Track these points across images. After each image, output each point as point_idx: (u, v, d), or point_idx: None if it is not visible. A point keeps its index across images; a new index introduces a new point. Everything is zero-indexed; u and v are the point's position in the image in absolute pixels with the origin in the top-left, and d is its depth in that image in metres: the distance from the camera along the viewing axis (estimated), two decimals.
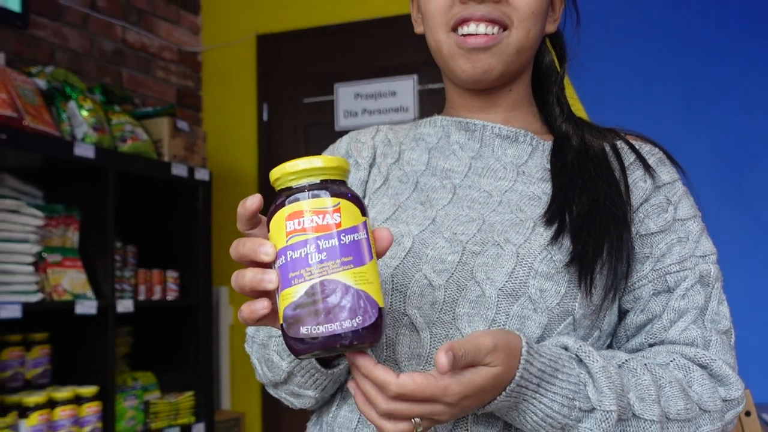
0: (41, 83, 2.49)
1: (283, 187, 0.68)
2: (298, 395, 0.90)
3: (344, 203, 0.66)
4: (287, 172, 0.67)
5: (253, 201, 0.67)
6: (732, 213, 2.80)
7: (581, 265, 0.83)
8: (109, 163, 2.50)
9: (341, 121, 3.40)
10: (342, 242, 0.65)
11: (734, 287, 1.05)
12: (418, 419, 0.69)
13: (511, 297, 0.83)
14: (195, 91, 3.65)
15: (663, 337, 0.87)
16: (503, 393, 0.72)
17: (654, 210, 0.91)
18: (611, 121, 1.02)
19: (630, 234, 0.89)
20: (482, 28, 0.90)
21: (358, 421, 0.86)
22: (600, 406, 0.76)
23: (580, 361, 0.79)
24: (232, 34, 3.60)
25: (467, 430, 0.82)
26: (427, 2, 0.95)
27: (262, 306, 0.66)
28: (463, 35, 0.91)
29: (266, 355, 0.90)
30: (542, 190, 0.92)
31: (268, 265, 0.67)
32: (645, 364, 0.82)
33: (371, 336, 0.65)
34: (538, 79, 1.04)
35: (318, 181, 0.67)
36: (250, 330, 0.93)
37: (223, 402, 3.44)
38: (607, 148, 0.95)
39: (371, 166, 1.01)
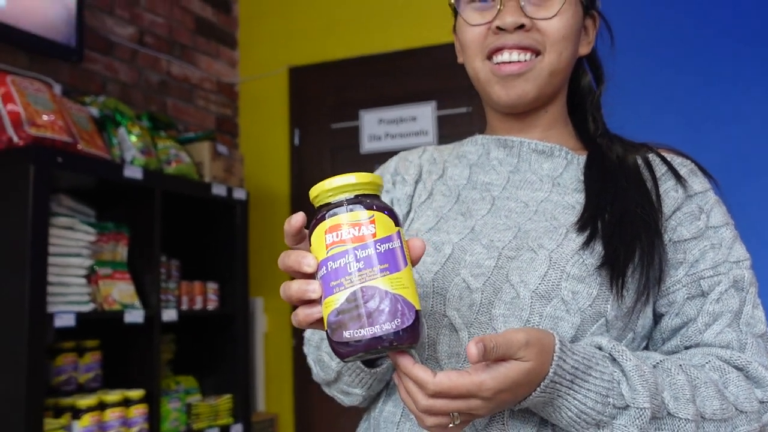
0: (94, 111, 2.49)
1: (322, 203, 0.68)
2: (347, 393, 0.90)
3: (378, 215, 0.66)
4: (325, 189, 0.67)
5: (297, 219, 0.68)
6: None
7: (612, 269, 0.80)
8: (156, 183, 2.49)
9: (366, 145, 3.38)
10: (378, 251, 0.65)
11: None
12: (456, 414, 0.68)
13: (544, 299, 0.80)
14: (232, 118, 3.65)
15: (698, 340, 0.83)
16: (538, 389, 0.70)
17: (686, 218, 0.87)
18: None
19: (661, 240, 0.85)
20: (515, 55, 0.89)
21: (401, 416, 0.86)
22: (633, 403, 0.72)
23: (613, 360, 0.75)
24: (267, 67, 3.61)
25: (504, 425, 0.79)
26: (464, 33, 0.94)
27: (317, 310, 0.67)
28: (498, 63, 0.90)
29: (319, 356, 0.90)
30: (576, 200, 0.89)
31: (311, 276, 0.67)
32: (680, 365, 0.78)
33: (410, 337, 0.65)
34: (575, 98, 1.01)
35: (353, 196, 0.67)
36: (307, 333, 0.95)
37: (259, 404, 3.41)
38: (640, 161, 0.91)
39: (417, 182, 1.00)
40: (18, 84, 2.17)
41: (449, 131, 3.18)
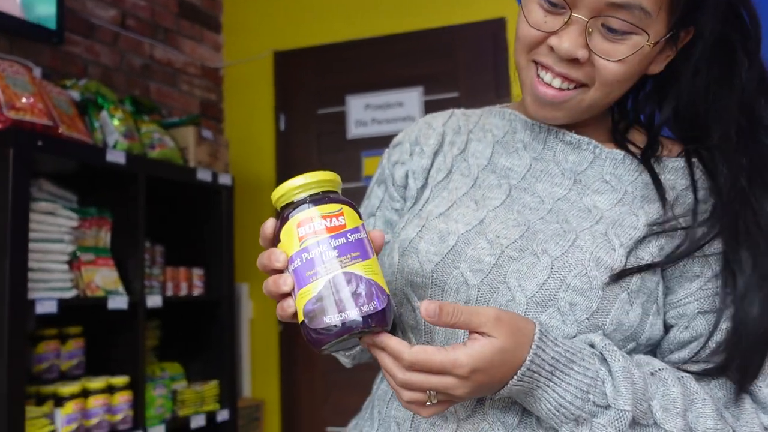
0: (75, 95, 2.43)
1: (288, 201, 0.70)
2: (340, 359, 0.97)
3: (345, 208, 0.70)
4: (291, 187, 0.70)
5: (269, 224, 0.71)
6: None
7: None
8: (139, 168, 2.44)
9: (352, 130, 3.35)
10: (349, 240, 0.68)
11: None
12: (433, 392, 0.69)
13: (540, 306, 0.76)
14: (217, 103, 3.59)
15: (707, 356, 0.77)
16: (515, 377, 0.69)
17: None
18: None
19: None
20: (557, 82, 0.80)
21: (392, 395, 0.87)
22: (615, 404, 0.70)
23: (603, 359, 0.72)
24: (252, 51, 3.56)
25: (484, 414, 0.78)
26: (520, 24, 0.83)
27: (288, 305, 0.69)
28: (539, 77, 0.81)
29: None
30: (593, 203, 0.83)
31: (283, 271, 0.70)
32: (680, 377, 0.74)
33: (385, 318, 0.68)
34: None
35: (319, 192, 0.70)
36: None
37: (245, 390, 3.38)
38: (681, 163, 0.84)
39: (436, 153, 0.94)
40: None
41: None
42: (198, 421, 2.69)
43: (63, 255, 2.20)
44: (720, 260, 0.78)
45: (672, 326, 0.80)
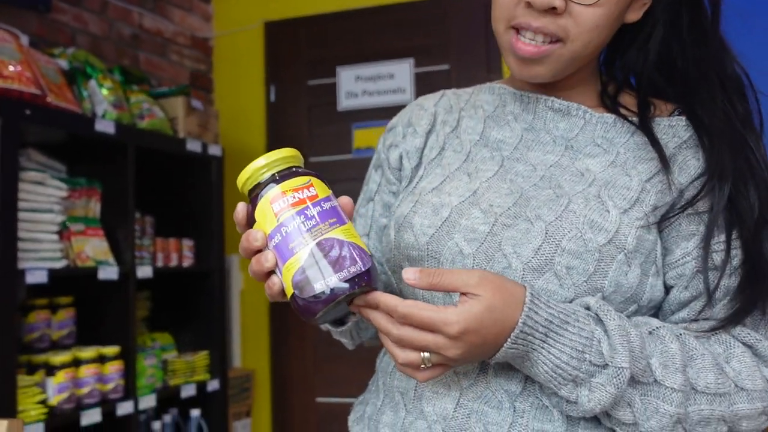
0: (63, 63, 2.39)
1: (256, 182, 0.72)
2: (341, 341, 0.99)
3: (313, 179, 0.71)
4: (256, 167, 0.71)
5: (240, 209, 0.73)
6: None
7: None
8: (128, 138, 2.42)
9: (343, 102, 3.32)
10: (324, 208, 0.70)
11: None
12: (426, 354, 0.69)
13: (536, 272, 0.76)
14: (207, 73, 3.55)
15: (708, 315, 0.78)
16: (509, 340, 0.70)
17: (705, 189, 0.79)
18: None
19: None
20: (538, 39, 0.80)
21: (394, 365, 0.88)
22: (612, 362, 0.70)
23: (599, 319, 0.73)
24: (242, 21, 3.51)
25: (487, 382, 0.78)
26: None
27: (273, 282, 0.71)
28: (518, 39, 0.81)
29: None
30: (586, 167, 0.83)
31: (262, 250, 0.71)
32: (678, 334, 0.75)
33: (371, 278, 0.69)
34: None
35: (284, 168, 0.71)
36: None
37: (235, 360, 3.40)
38: (674, 122, 0.84)
39: (429, 133, 0.95)
40: None
41: (427, 89, 3.10)
42: (188, 391, 2.70)
43: (53, 225, 2.19)
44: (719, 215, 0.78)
45: (672, 287, 0.80)
